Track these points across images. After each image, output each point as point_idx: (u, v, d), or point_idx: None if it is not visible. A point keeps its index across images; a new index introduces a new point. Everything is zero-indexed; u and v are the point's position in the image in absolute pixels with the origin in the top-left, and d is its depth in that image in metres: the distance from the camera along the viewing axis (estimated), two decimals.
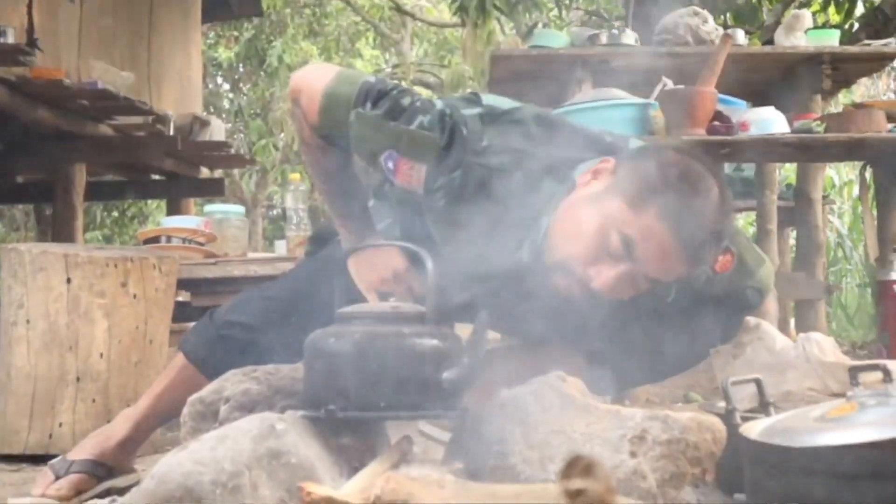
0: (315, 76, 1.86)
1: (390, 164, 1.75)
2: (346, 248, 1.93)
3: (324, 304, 1.75)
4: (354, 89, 1.79)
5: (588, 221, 1.68)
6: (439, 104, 1.80)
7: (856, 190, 7.07)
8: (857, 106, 4.26)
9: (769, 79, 4.58)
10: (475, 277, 1.83)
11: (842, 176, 8.87)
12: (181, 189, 6.64)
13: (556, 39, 4.46)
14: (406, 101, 1.78)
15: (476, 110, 1.79)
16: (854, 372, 1.43)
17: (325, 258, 2.04)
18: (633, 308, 1.76)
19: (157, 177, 6.81)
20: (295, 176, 4.91)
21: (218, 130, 6.37)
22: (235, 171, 12.03)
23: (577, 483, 0.61)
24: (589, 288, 1.68)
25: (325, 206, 1.98)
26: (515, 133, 1.78)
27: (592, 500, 0.60)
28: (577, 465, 0.63)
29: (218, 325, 2.01)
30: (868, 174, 4.50)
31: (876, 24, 6.10)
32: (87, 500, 1.96)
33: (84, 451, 2.08)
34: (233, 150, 6.88)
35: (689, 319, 1.82)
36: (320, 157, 1.89)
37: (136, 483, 1.46)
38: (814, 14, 6.04)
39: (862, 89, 10.21)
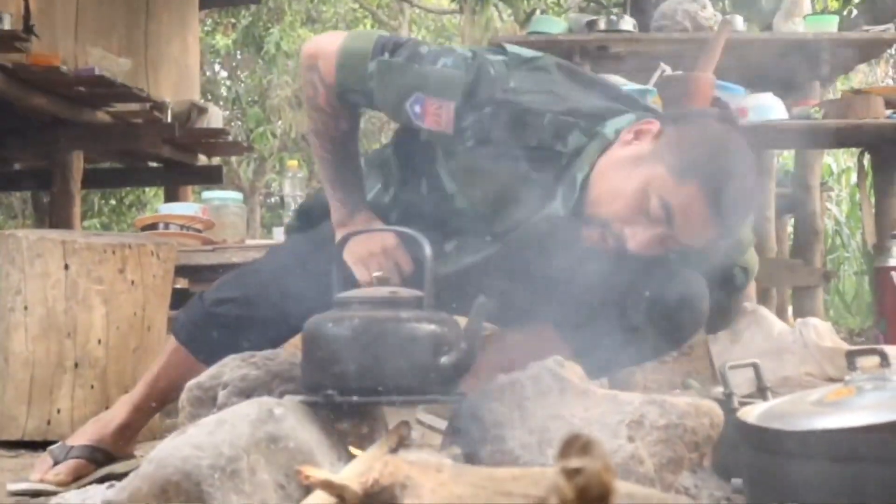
0: (328, 40, 1.88)
1: (417, 108, 1.76)
2: (336, 220, 1.93)
3: (313, 277, 1.76)
4: (370, 43, 1.81)
5: (630, 183, 1.70)
6: (461, 49, 1.82)
7: (854, 177, 7.07)
8: (856, 92, 4.26)
9: (767, 65, 4.57)
10: (499, 224, 1.84)
11: (840, 163, 8.87)
12: (179, 176, 6.63)
13: (555, 25, 4.45)
14: (424, 48, 1.81)
15: (500, 57, 1.81)
16: (851, 356, 1.43)
17: (316, 233, 2.04)
18: (629, 280, 1.77)
19: (154, 164, 6.80)
20: (293, 163, 4.91)
21: (216, 118, 6.36)
22: (233, 159, 12.01)
23: (574, 462, 0.61)
24: (622, 246, 1.71)
25: (320, 179, 1.98)
26: (540, 79, 1.80)
27: (590, 478, 0.61)
28: (575, 444, 0.63)
29: (208, 304, 2.01)
30: (866, 161, 4.50)
31: (874, 10, 6.08)
32: (85, 485, 1.97)
33: (83, 436, 2.08)
34: (230, 138, 6.86)
35: (680, 293, 1.83)
36: (330, 122, 1.90)
37: (135, 468, 1.46)
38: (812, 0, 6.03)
39: (860, 76, 10.20)
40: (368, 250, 1.86)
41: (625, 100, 1.87)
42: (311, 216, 2.10)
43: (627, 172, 1.71)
